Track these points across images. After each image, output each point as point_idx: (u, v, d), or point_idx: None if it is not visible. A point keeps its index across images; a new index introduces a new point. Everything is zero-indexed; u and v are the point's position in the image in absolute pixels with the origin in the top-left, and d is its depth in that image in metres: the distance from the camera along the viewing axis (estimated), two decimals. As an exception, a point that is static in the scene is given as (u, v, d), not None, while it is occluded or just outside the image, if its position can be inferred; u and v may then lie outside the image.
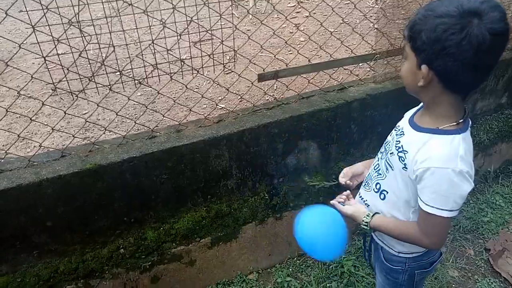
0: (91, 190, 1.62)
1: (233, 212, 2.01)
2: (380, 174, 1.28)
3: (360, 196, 1.41)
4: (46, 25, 1.29)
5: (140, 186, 1.72)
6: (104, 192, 1.65)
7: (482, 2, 0.93)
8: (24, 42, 1.32)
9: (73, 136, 1.59)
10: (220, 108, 4.13)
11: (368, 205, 1.35)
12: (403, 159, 1.15)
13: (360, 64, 2.54)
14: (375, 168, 1.33)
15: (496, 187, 2.75)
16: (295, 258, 2.33)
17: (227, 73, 4.18)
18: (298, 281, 2.20)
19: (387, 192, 1.25)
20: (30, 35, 1.24)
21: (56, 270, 1.71)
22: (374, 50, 2.03)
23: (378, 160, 1.32)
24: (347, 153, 2.19)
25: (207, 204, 1.95)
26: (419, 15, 1.00)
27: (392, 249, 1.33)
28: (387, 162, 1.24)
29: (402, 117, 1.30)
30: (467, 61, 0.95)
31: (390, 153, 1.22)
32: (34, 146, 3.61)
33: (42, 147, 1.55)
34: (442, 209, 1.06)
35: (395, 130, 1.27)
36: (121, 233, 1.80)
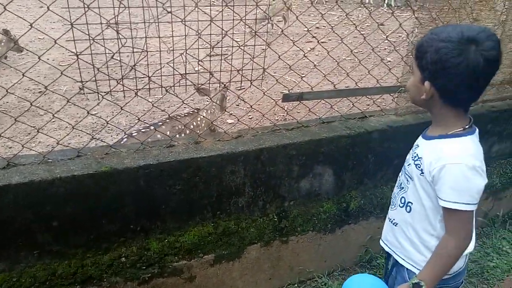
0: (104, 193, 1.58)
1: (240, 231, 1.96)
2: (403, 188, 1.35)
3: (389, 218, 1.44)
4: (84, 24, 1.28)
5: (152, 194, 1.68)
6: (115, 197, 1.61)
7: (480, 31, 1.07)
8: (40, 38, 1.30)
9: (92, 137, 1.55)
10: (229, 123, 4.13)
11: (397, 224, 1.37)
12: (419, 165, 1.24)
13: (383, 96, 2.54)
14: (397, 185, 1.40)
15: (503, 232, 2.72)
16: (296, 285, 2.27)
17: (239, 90, 4.20)
18: (297, 309, 2.14)
19: (412, 203, 1.30)
20: (67, 31, 1.23)
21: (54, 272, 1.65)
22: (399, 82, 2.03)
23: (399, 177, 1.40)
24: (361, 182, 2.16)
25: (215, 220, 1.90)
26: (426, 38, 1.13)
27: (420, 270, 1.30)
28: (406, 174, 1.32)
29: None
30: (463, 81, 1.08)
31: (408, 165, 1.31)
32: (39, 142, 3.57)
33: (60, 144, 1.51)
34: (460, 203, 1.13)
35: (412, 148, 1.35)
36: (125, 241, 1.74)
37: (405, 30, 2.01)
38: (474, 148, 1.16)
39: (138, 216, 1.70)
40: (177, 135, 2.41)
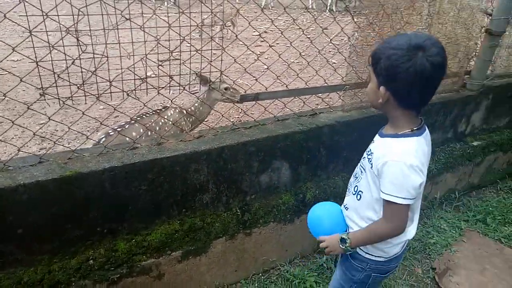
0: (69, 198, 1.60)
1: (206, 226, 2.05)
2: (357, 178, 1.50)
3: (344, 204, 1.59)
4: (43, 31, 1.32)
5: (118, 196, 1.72)
6: (81, 201, 1.63)
7: (426, 39, 1.18)
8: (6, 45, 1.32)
9: (54, 142, 1.57)
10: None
11: (348, 208, 1.53)
12: (370, 160, 1.37)
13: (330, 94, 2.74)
14: (354, 175, 1.56)
15: (441, 213, 3.05)
16: (260, 274, 2.40)
17: (194, 93, 4.27)
18: (262, 297, 2.26)
19: (362, 192, 1.45)
20: (26, 38, 1.26)
21: (20, 281, 1.64)
22: (344, 81, 2.23)
23: (357, 168, 1.55)
24: (315, 174, 2.33)
25: (181, 217, 1.98)
26: (380, 46, 1.27)
27: (361, 248, 1.48)
28: (361, 166, 1.48)
29: (367, 143, 1.52)
30: (413, 85, 1.19)
31: (363, 158, 1.47)
32: (-15, 153, 3.40)
33: (21, 151, 1.51)
34: (397, 196, 1.26)
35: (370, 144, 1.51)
36: (92, 244, 1.77)
37: (346, 34, 2.22)
38: (416, 148, 1.26)
39: (105, 218, 1.74)
40: (149, 133, 2.47)
